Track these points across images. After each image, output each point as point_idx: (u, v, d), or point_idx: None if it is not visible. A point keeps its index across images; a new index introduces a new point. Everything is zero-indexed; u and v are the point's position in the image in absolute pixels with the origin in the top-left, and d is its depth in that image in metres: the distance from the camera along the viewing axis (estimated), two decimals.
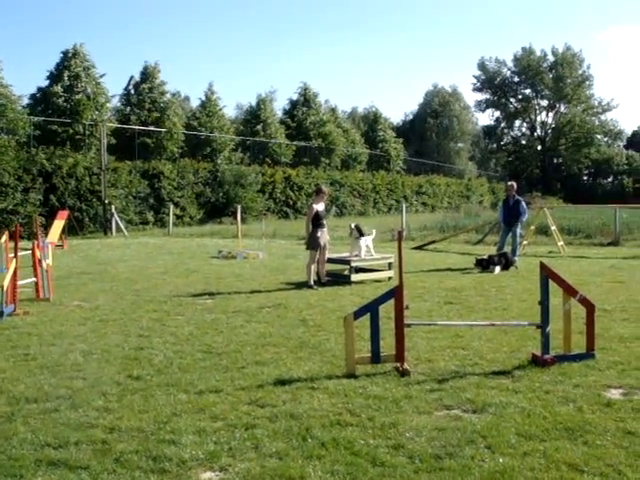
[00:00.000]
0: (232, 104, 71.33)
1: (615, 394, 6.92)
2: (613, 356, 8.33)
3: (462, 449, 5.47)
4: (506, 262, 17.43)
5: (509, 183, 20.15)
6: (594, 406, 6.49)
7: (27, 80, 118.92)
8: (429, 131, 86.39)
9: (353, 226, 16.21)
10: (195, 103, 56.82)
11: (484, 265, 17.28)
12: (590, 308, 8.18)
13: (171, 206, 38.10)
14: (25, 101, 41.52)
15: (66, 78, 41.45)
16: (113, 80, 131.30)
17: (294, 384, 7.29)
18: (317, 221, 15.11)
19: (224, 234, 32.65)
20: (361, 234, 15.95)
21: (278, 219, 45.66)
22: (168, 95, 49.74)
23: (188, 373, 7.80)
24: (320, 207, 15.30)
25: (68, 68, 41.92)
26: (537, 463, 5.19)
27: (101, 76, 43.77)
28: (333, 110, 67.41)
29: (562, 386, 7.13)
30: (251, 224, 38.67)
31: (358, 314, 7.88)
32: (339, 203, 52.93)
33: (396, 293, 7.83)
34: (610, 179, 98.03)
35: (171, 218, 36.49)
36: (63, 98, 40.92)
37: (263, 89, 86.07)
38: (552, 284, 8.12)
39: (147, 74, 48.49)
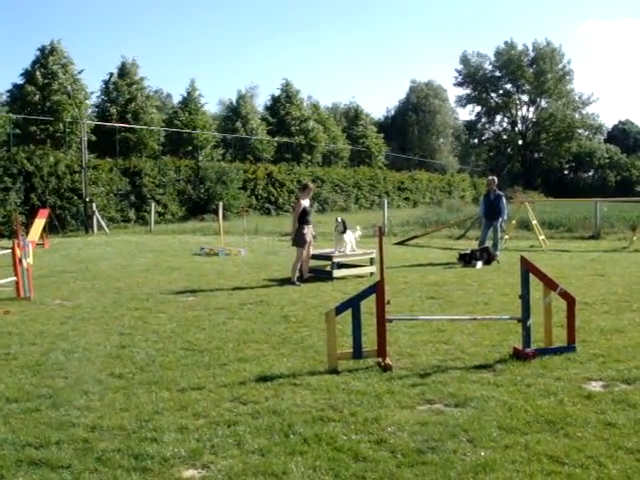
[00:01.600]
0: (214, 100, 71.20)
1: (596, 386, 6.96)
2: (594, 349, 8.38)
3: (444, 443, 5.48)
4: (488, 257, 17.49)
5: (490, 178, 20.22)
6: (575, 398, 6.52)
7: (2, 78, 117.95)
8: (411, 126, 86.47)
9: (340, 220, 16.12)
10: (177, 100, 56.64)
11: (467, 260, 17.33)
12: (570, 301, 8.22)
13: (153, 203, 37.95)
14: (3, 97, 41.31)
15: (40, 76, 41.15)
16: (92, 77, 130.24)
17: (276, 380, 7.28)
18: (303, 217, 14.98)
19: (206, 231, 32.60)
20: (345, 229, 15.83)
21: (260, 216, 45.56)
22: (147, 91, 49.57)
23: (170, 371, 7.77)
24: (306, 203, 15.22)
25: (45, 65, 41.66)
26: (518, 456, 5.21)
27: (79, 72, 43.59)
28: (315, 106, 67.35)
29: (543, 379, 7.17)
30: (233, 221, 38.60)
31: (340, 310, 7.88)
32: (321, 199, 52.90)
33: (377, 288, 7.84)
34: (591, 173, 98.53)
35: (153, 216, 36.34)
36: (39, 96, 40.63)
37: (244, 85, 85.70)
38: (533, 278, 8.17)
39: (125, 70, 48.28)
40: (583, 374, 7.34)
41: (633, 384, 6.96)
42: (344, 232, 15.83)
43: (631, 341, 8.79)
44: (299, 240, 14.96)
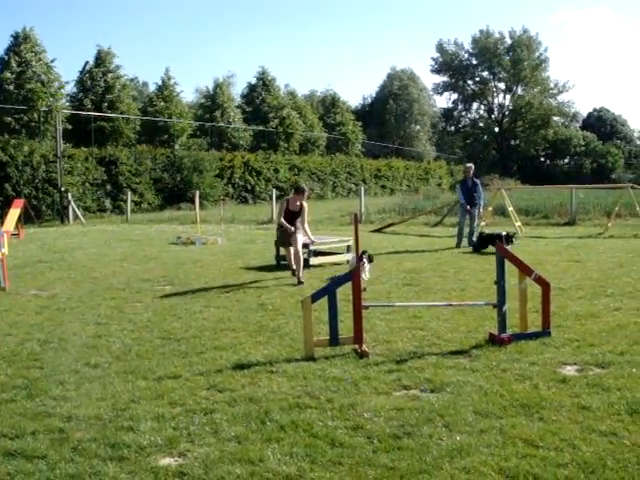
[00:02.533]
0: (191, 89, 70.98)
1: (570, 370, 7.02)
2: (569, 333, 8.44)
3: (420, 428, 5.51)
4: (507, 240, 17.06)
5: (467, 165, 20.35)
6: (550, 383, 6.58)
7: None
8: (388, 114, 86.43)
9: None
10: (153, 89, 56.32)
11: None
12: (545, 287, 8.27)
13: (129, 193, 37.75)
14: None
15: (15, 64, 40.78)
16: (66, 65, 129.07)
17: (253, 368, 7.29)
18: (288, 218, 13.86)
19: (183, 220, 32.48)
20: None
21: (237, 204, 45.49)
22: (124, 79, 49.27)
23: (146, 360, 7.75)
24: (293, 206, 13.92)
25: (18, 53, 41.27)
26: (494, 440, 5.25)
27: (52, 61, 43.21)
28: (291, 94, 67.21)
29: (518, 364, 7.21)
30: (210, 209, 38.51)
31: (316, 297, 7.89)
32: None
33: (353, 275, 7.86)
34: (567, 160, 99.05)
35: (129, 205, 36.18)
36: (14, 84, 40.27)
37: (221, 73, 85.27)
38: (509, 264, 8.22)
39: (101, 59, 47.95)
40: (558, 358, 7.40)
41: (607, 368, 7.02)
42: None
43: (605, 326, 8.86)
44: (278, 240, 14.61)
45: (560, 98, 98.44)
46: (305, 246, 14.98)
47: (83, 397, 6.47)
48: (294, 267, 13.46)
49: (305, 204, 13.98)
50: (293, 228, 13.75)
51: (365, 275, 12.20)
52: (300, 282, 12.95)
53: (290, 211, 13.90)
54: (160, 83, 52.77)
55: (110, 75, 47.59)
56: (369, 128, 79.47)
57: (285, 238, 13.90)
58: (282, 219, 13.88)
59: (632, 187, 25.77)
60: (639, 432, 5.33)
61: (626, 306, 10.13)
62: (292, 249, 13.63)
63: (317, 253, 15.66)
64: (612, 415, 5.70)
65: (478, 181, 19.92)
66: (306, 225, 14.00)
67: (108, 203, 39.71)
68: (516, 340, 8.01)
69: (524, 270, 8.29)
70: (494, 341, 8.01)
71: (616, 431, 5.36)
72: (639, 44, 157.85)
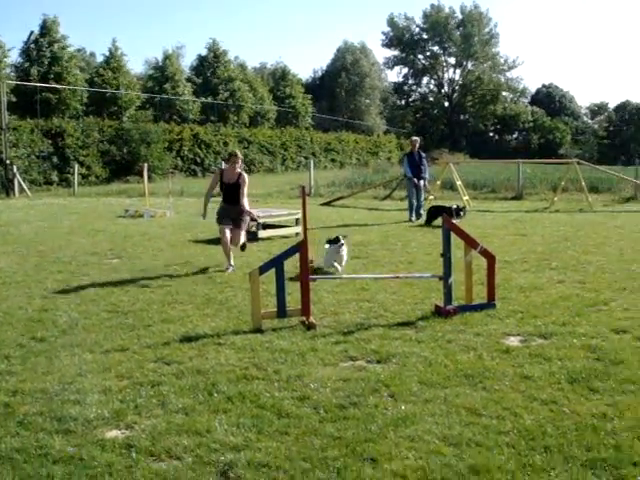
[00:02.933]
0: (141, 60, 70.03)
1: (514, 341, 7.16)
2: (513, 305, 8.60)
3: (366, 398, 5.58)
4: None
5: (413, 138, 20.58)
6: (493, 353, 6.70)
7: None
8: (339, 88, 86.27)
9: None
10: (101, 60, 55.48)
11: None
12: (490, 259, 8.39)
13: (76, 165, 37.19)
14: None
15: None
16: (9, 35, 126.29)
17: (200, 340, 7.29)
18: (224, 195, 12.05)
19: (131, 193, 32.15)
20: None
21: (186, 177, 45.09)
22: (70, 50, 48.42)
23: (93, 333, 7.70)
24: (229, 177, 11.90)
25: None
26: (438, 409, 5.34)
27: None
28: (241, 66, 66.74)
29: (463, 335, 7.34)
30: (158, 182, 38.13)
31: (263, 269, 7.91)
32: (248, 160, 52.62)
33: (301, 248, 7.88)
34: (515, 135, 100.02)
35: (76, 178, 35.65)
36: None
37: (170, 45, 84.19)
38: (455, 237, 8.31)
39: (47, 28, 47.03)
40: (502, 330, 7.54)
41: (549, 339, 7.17)
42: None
43: (549, 298, 9.04)
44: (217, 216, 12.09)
45: (509, 74, 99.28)
46: (253, 219, 14.89)
47: (29, 371, 6.41)
48: (227, 256, 11.76)
49: (244, 175, 11.87)
50: (254, 219, 12.71)
51: (341, 264, 11.00)
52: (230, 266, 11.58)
53: (226, 184, 11.84)
54: (107, 54, 51.95)
55: (56, 45, 46.73)
56: (319, 101, 79.29)
57: (225, 215, 11.85)
58: (208, 195, 12.21)
59: (578, 162, 26.14)
60: (578, 400, 5.47)
61: (569, 279, 10.33)
62: (228, 234, 11.72)
63: (266, 226, 15.64)
64: (553, 384, 5.83)
65: (424, 154, 20.14)
66: (245, 199, 11.76)
67: (55, 176, 39.08)
68: (461, 312, 8.13)
69: (470, 243, 8.40)
70: (440, 313, 8.12)
71: (556, 399, 5.49)
72: (587, 22, 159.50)
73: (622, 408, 5.28)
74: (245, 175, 11.91)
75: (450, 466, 4.42)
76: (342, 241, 10.98)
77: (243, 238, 12.17)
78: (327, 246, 11.15)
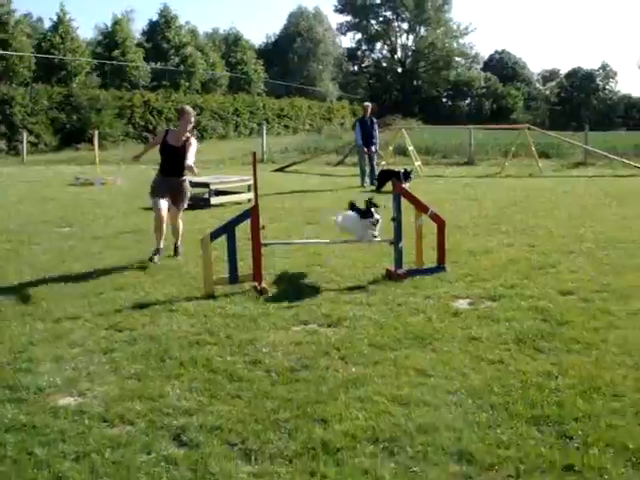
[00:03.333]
0: (90, 25, 68.80)
1: (463, 304, 7.28)
2: (463, 269, 8.72)
3: (317, 361, 5.65)
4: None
5: (366, 104, 20.63)
6: (443, 315, 6.81)
7: None
8: (292, 53, 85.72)
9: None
10: (48, 25, 54.37)
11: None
12: (441, 224, 8.49)
13: (24, 133, 36.48)
14: None
15: None
16: None
17: (153, 307, 7.28)
18: (164, 158, 9.77)
19: (81, 161, 31.62)
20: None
21: (137, 144, 44.51)
22: (17, 15, 47.41)
23: (45, 302, 7.62)
24: (175, 139, 9.64)
25: None
26: (388, 370, 5.43)
27: None
28: (193, 32, 65.96)
29: (414, 298, 7.43)
30: (109, 150, 37.63)
31: (214, 235, 7.91)
32: (200, 127, 52.16)
33: (252, 213, 7.88)
34: (468, 101, 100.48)
35: (25, 146, 34.96)
36: None
37: (120, 10, 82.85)
38: (406, 202, 8.39)
39: None
40: (451, 293, 7.65)
41: (498, 301, 7.30)
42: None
43: (498, 261, 9.18)
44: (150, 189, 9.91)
45: (462, 40, 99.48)
46: (205, 185, 14.83)
47: None
48: (178, 241, 10.09)
49: (193, 140, 9.62)
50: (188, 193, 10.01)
51: (375, 231, 8.74)
52: (156, 255, 9.60)
53: (169, 148, 9.57)
54: (55, 19, 50.94)
55: (2, 11, 45.63)
56: (272, 67, 78.79)
57: (161, 186, 9.70)
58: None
59: (529, 128, 26.41)
60: (524, 360, 5.61)
61: (518, 242, 10.49)
62: (164, 209, 9.62)
63: (218, 193, 15.57)
64: (500, 344, 5.96)
65: (376, 120, 20.21)
66: (192, 162, 9.26)
67: (3, 144, 38.36)
68: (412, 275, 8.23)
69: (420, 208, 8.48)
70: (391, 277, 8.21)
71: (503, 359, 5.62)
72: None
73: (566, 367, 5.42)
74: (194, 140, 9.67)
75: (399, 425, 4.50)
76: (377, 216, 8.66)
77: (181, 227, 10.10)
78: (351, 213, 9.02)
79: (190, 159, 9.20)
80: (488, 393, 4.97)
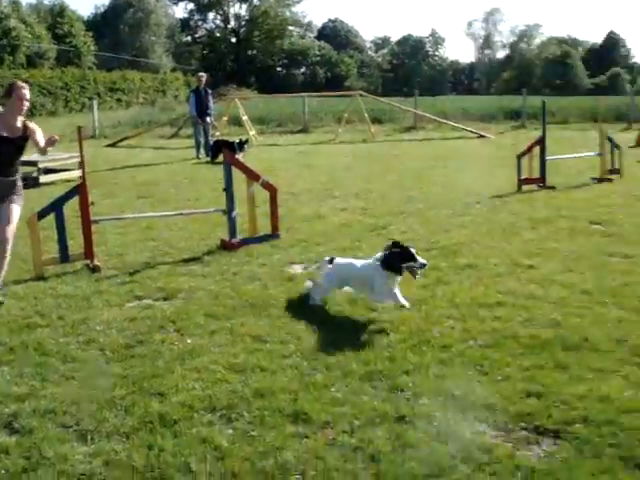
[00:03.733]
0: None
1: (297, 269, 7.43)
2: (297, 235, 8.87)
3: (152, 335, 5.63)
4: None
5: (200, 74, 20.49)
6: (277, 281, 6.93)
7: None
8: (122, 24, 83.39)
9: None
10: None
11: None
12: (273, 191, 8.58)
13: None
14: None
15: None
16: None
17: None
18: None
19: None
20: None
21: None
22: None
23: None
24: (7, 128, 6.91)
25: None
26: (224, 339, 5.49)
27: None
28: (15, 3, 63.00)
29: (249, 266, 7.51)
30: None
31: (42, 214, 7.67)
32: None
33: (80, 190, 7.69)
34: (303, 70, 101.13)
35: None
36: None
37: None
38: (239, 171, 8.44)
39: None
40: (286, 259, 7.79)
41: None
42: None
43: (331, 226, 9.40)
44: None
45: (295, 9, 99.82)
46: (33, 164, 14.24)
47: None
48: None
49: (34, 126, 7.16)
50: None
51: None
52: None
53: (3, 141, 6.85)
54: None
55: None
56: (103, 39, 76.41)
57: None
58: None
59: (361, 95, 26.91)
60: (358, 318, 5.85)
61: (351, 206, 10.75)
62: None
63: (47, 170, 15.02)
64: (334, 306, 6.20)
65: (210, 91, 20.09)
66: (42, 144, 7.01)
67: None
68: (247, 244, 8.28)
69: (251, 176, 8.53)
70: (225, 247, 8.25)
71: (338, 320, 5.88)
72: None
73: (397, 323, 5.64)
74: (34, 125, 7.25)
75: (236, 392, 4.57)
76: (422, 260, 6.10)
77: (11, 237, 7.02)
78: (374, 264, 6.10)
79: (41, 142, 7.07)
80: (323, 354, 5.11)
